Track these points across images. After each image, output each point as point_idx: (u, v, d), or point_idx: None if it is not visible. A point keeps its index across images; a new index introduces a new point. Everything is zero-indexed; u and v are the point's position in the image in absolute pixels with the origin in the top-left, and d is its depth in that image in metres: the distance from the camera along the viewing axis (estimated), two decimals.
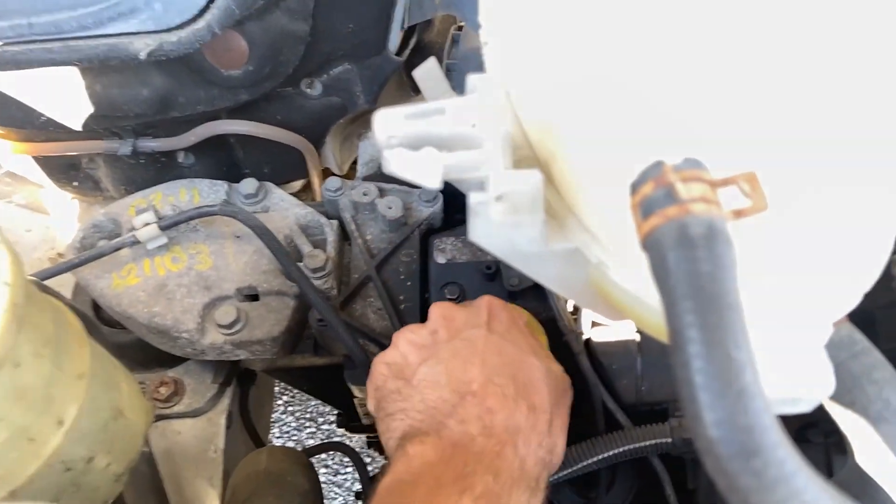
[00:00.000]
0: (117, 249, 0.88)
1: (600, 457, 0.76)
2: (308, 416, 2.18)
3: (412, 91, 1.27)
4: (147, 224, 0.87)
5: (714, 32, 0.38)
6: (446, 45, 1.00)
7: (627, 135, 0.40)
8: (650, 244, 0.31)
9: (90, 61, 0.75)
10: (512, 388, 0.52)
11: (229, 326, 0.89)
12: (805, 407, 0.38)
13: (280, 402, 2.19)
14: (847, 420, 0.47)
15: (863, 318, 0.67)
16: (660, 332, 0.51)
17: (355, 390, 0.96)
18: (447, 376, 0.53)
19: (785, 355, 0.37)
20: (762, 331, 0.37)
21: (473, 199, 0.38)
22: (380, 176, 1.09)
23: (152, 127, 1.01)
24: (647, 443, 0.76)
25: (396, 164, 0.37)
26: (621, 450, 0.76)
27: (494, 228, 0.39)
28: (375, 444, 1.14)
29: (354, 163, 1.24)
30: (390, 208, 0.97)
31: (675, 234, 0.30)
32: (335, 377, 1.02)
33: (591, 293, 0.47)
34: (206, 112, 0.96)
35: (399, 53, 1.02)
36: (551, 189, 0.44)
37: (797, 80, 0.37)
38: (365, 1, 0.94)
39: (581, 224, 0.42)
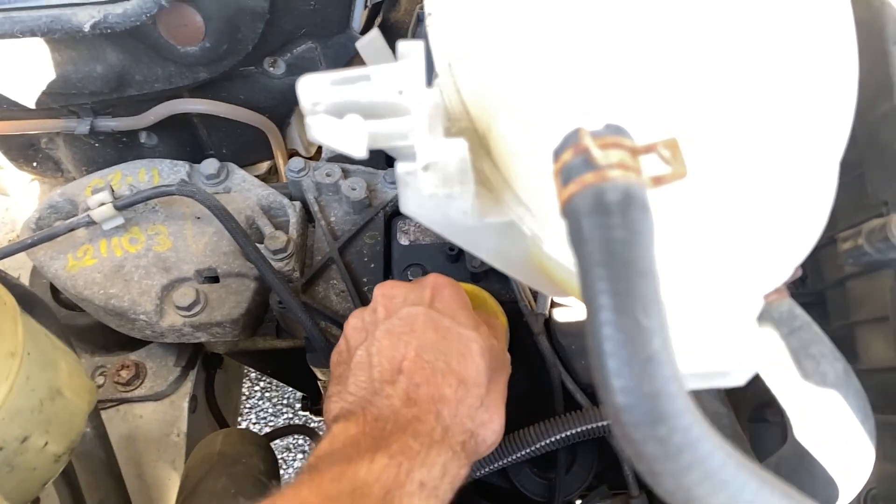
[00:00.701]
0: (72, 230, 0.86)
1: (559, 436, 0.76)
2: (285, 401, 2.17)
3: None
4: (102, 204, 0.85)
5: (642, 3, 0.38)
6: (411, 25, 0.99)
7: (557, 105, 0.39)
8: (568, 211, 0.30)
9: (32, 33, 0.72)
10: (442, 363, 0.52)
11: (188, 308, 0.88)
12: (735, 380, 0.37)
13: (257, 388, 2.18)
14: (785, 394, 0.47)
15: (814, 297, 0.68)
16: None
17: (318, 373, 0.95)
18: (379, 356, 0.52)
19: (714, 328, 0.37)
20: (690, 303, 0.37)
21: (401, 168, 0.37)
22: (345, 157, 1.08)
23: (112, 106, 0.99)
24: (606, 422, 0.76)
25: (319, 130, 0.36)
26: (580, 429, 0.76)
27: (425, 200, 0.38)
28: None
29: (321, 146, 1.22)
30: (354, 189, 0.96)
31: (590, 201, 0.29)
32: (298, 360, 1.01)
33: (529, 268, 0.47)
34: (166, 90, 0.94)
35: (363, 32, 1.00)
36: (488, 162, 0.43)
37: (721, 50, 0.36)
38: None
39: (516, 197, 0.42)
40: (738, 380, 0.37)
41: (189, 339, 0.91)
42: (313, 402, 1.11)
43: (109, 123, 1.00)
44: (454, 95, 0.45)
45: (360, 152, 0.36)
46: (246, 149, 1.13)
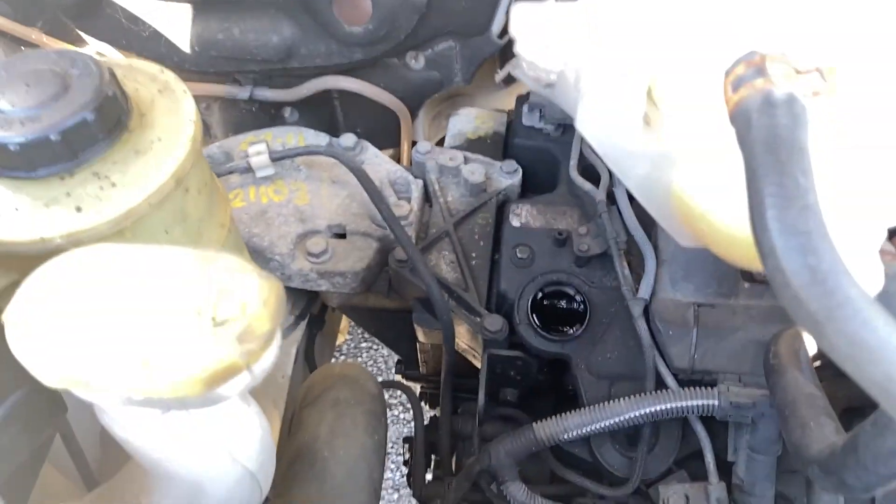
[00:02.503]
0: (230, 173, 0.99)
1: (645, 410, 0.81)
2: (376, 368, 2.26)
3: (502, 83, 1.36)
4: (259, 154, 0.97)
5: None
6: None
7: (715, 60, 0.47)
8: (738, 113, 0.38)
9: None
10: None
11: (318, 255, 0.98)
12: None
13: (346, 355, 2.29)
14: None
15: None
16: (730, 251, 0.57)
17: (420, 333, 1.03)
18: None
19: (843, 246, 0.43)
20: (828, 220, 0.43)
21: (586, 84, 0.45)
22: (465, 149, 1.18)
23: (270, 78, 1.12)
24: (693, 402, 0.80)
25: (526, 47, 0.45)
26: (666, 406, 0.81)
27: (599, 115, 0.46)
28: (428, 396, 1.20)
29: (440, 142, 1.33)
30: (473, 173, 1.05)
31: (760, 99, 0.36)
32: (401, 322, 1.09)
33: (670, 206, 0.54)
34: (322, 67, 1.07)
35: (500, 37, 1.11)
36: (652, 105, 0.51)
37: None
38: None
39: (675, 137, 0.49)
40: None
41: (312, 285, 1.01)
42: (407, 366, 1.19)
43: (266, 93, 1.13)
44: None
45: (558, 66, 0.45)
46: (375, 134, 1.24)
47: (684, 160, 0.49)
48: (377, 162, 1.09)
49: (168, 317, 0.35)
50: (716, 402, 0.80)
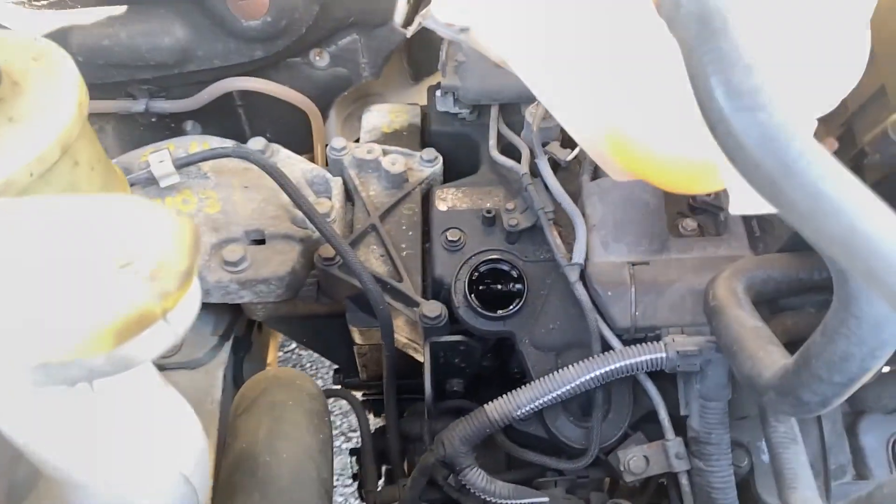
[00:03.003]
0: (131, 185, 0.91)
1: (595, 373, 0.79)
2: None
3: (412, 79, 1.34)
4: (162, 162, 0.91)
5: None
6: None
7: None
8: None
9: None
10: None
11: (236, 264, 0.92)
12: None
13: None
14: None
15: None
16: (667, 178, 0.56)
17: (356, 334, 0.98)
18: None
19: None
20: None
21: None
22: (382, 143, 1.15)
23: (166, 89, 1.06)
24: (642, 358, 0.79)
25: None
26: (616, 366, 0.79)
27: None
28: (371, 402, 1.14)
29: (356, 142, 1.30)
30: (393, 164, 1.02)
31: None
32: (335, 327, 1.04)
33: (603, 142, 0.53)
34: (220, 69, 1.01)
35: (405, 27, 1.10)
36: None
37: None
38: None
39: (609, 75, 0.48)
40: None
41: (234, 297, 0.94)
42: (346, 374, 1.13)
43: (164, 105, 1.07)
44: None
45: None
46: (284, 139, 1.19)
47: (618, 97, 0.48)
48: (291, 163, 1.05)
49: (68, 267, 0.30)
50: (663, 355, 0.79)
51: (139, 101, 1.06)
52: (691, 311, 0.85)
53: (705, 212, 0.95)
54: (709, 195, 0.94)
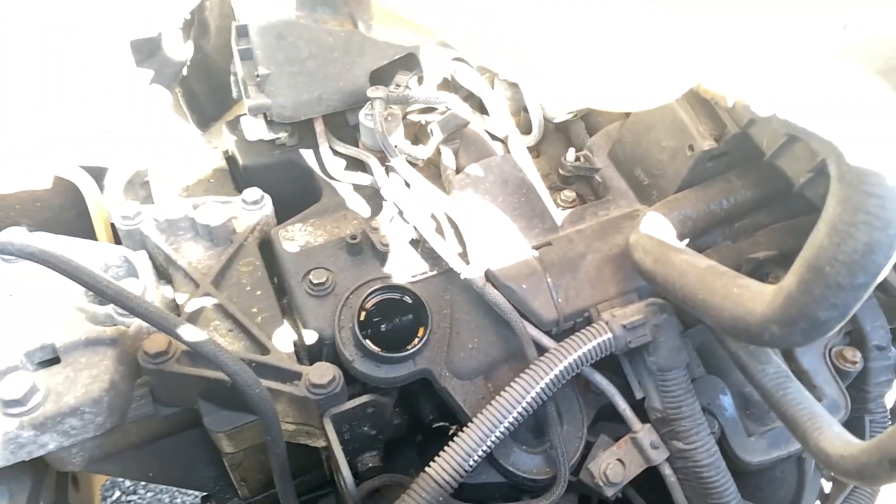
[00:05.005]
0: None
1: (544, 382, 0.65)
2: None
3: (198, 127, 1.13)
4: None
5: None
6: (233, 40, 0.89)
7: None
8: None
9: None
10: None
11: (21, 402, 0.63)
12: None
13: None
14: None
15: None
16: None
17: (223, 442, 0.73)
18: None
19: None
20: None
21: None
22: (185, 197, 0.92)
23: None
24: (589, 346, 0.67)
25: None
26: (564, 364, 0.66)
27: None
28: None
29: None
30: (210, 216, 0.80)
31: None
32: (191, 443, 0.78)
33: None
34: None
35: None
36: None
37: None
38: None
39: None
40: None
41: (31, 450, 0.65)
42: (219, 499, 0.85)
43: None
44: None
45: None
46: (48, 229, 0.91)
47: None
48: (68, 249, 0.77)
49: None
50: (609, 336, 0.67)
51: None
52: (613, 281, 0.75)
53: (578, 178, 0.87)
54: (577, 159, 0.86)
